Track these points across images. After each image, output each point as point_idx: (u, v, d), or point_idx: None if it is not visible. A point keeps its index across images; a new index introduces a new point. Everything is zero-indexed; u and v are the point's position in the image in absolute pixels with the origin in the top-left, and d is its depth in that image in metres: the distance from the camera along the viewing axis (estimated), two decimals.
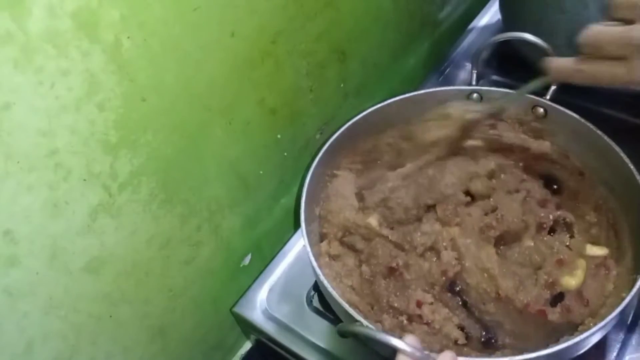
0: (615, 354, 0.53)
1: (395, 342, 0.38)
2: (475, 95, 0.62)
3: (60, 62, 0.34)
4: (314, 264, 0.49)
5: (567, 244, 0.56)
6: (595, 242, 0.55)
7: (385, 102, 0.61)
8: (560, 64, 0.47)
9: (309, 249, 0.50)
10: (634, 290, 0.44)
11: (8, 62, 0.32)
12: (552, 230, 0.57)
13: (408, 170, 0.61)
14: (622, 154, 0.52)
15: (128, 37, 0.37)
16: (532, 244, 0.55)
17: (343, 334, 0.44)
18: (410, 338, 0.38)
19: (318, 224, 0.58)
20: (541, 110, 0.59)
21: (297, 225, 0.67)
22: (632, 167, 0.51)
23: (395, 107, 0.61)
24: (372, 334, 0.40)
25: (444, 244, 0.54)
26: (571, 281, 0.52)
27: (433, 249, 0.55)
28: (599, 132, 0.55)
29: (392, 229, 0.57)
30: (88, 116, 0.37)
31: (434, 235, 0.55)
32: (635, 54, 0.41)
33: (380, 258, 0.55)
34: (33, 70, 0.33)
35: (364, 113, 0.60)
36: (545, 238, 0.56)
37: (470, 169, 0.58)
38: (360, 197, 0.60)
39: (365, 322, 0.44)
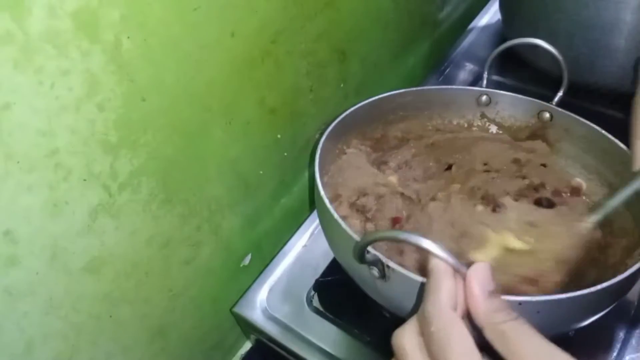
0: (615, 353, 0.53)
1: (426, 243, 0.33)
2: (484, 97, 0.62)
3: (60, 62, 0.34)
4: (328, 204, 0.48)
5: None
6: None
7: (398, 91, 0.60)
8: None
9: (320, 188, 0.49)
10: None
11: (8, 62, 0.32)
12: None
13: (435, 140, 0.64)
14: (629, 152, 0.52)
15: (128, 37, 0.37)
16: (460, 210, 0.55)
17: (365, 249, 0.39)
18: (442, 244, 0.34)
19: (328, 190, 0.57)
20: (547, 114, 0.59)
21: (311, 205, 0.67)
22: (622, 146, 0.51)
23: (405, 99, 0.61)
24: (400, 235, 0.35)
25: (440, 195, 0.56)
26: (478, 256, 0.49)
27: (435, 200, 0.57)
28: (603, 132, 0.55)
29: (407, 186, 0.59)
30: (88, 116, 0.37)
31: (436, 189, 0.57)
32: None
33: (386, 212, 0.56)
34: (33, 70, 0.33)
35: (376, 98, 0.60)
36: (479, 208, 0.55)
37: (500, 152, 0.62)
38: (379, 162, 0.62)
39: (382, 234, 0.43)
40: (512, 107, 0.61)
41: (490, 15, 0.89)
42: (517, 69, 0.75)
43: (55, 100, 0.35)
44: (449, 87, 0.63)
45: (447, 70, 0.82)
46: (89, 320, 0.44)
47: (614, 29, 0.60)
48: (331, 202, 0.55)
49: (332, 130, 0.56)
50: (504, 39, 0.61)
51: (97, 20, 0.35)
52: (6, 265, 0.36)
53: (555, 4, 0.64)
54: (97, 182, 0.40)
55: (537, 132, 0.61)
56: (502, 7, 0.78)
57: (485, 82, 0.62)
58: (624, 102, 0.69)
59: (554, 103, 0.58)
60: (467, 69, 0.82)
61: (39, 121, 0.34)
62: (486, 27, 0.88)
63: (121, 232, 0.44)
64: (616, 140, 0.54)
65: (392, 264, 0.40)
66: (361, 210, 0.57)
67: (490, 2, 0.91)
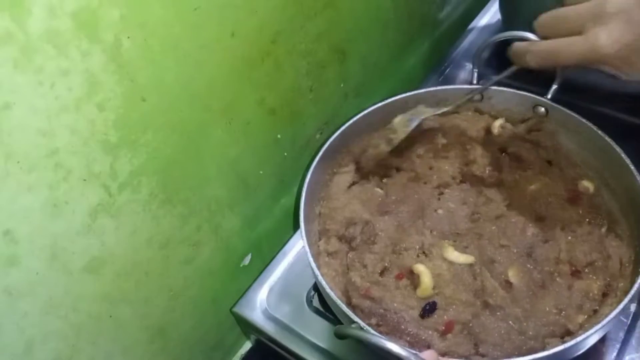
0: (615, 353, 0.53)
1: (390, 345, 0.38)
2: (476, 95, 0.62)
3: (60, 62, 0.34)
4: (313, 265, 0.49)
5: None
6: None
7: (386, 101, 0.61)
8: (519, 47, 0.49)
9: (307, 249, 0.50)
10: (632, 292, 0.44)
11: (8, 62, 0.32)
12: None
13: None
14: (623, 155, 0.52)
15: (128, 37, 0.37)
16: None
17: (340, 336, 0.44)
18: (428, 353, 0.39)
19: (318, 223, 0.58)
20: (542, 109, 0.59)
21: (296, 227, 0.67)
22: (632, 167, 0.51)
23: (395, 106, 0.61)
24: (368, 337, 0.40)
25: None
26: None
27: None
28: (599, 132, 0.55)
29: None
30: (88, 116, 0.37)
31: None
32: (588, 23, 0.43)
33: (369, 243, 0.56)
34: (33, 70, 0.33)
35: (364, 112, 0.60)
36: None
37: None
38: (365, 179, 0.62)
39: (362, 324, 0.44)
40: (506, 101, 0.62)
41: (490, 15, 0.89)
42: (518, 70, 0.75)
43: (55, 100, 0.35)
44: (439, 88, 0.62)
45: (447, 70, 0.82)
46: (89, 320, 0.44)
47: None
48: (320, 238, 0.57)
49: (320, 159, 0.56)
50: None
51: (97, 20, 0.35)
52: (6, 265, 0.36)
53: (556, 4, 0.64)
54: (97, 182, 0.40)
55: (534, 128, 0.61)
56: (502, 7, 0.78)
57: (475, 79, 0.62)
58: (624, 102, 0.69)
59: (548, 97, 0.58)
60: (467, 69, 0.81)
61: (39, 121, 0.34)
62: (486, 27, 0.88)
63: (121, 232, 0.44)
64: (609, 139, 0.54)
65: (370, 340, 0.41)
66: (348, 241, 0.57)
67: (490, 2, 0.91)
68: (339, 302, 0.46)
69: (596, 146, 0.55)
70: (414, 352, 0.39)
